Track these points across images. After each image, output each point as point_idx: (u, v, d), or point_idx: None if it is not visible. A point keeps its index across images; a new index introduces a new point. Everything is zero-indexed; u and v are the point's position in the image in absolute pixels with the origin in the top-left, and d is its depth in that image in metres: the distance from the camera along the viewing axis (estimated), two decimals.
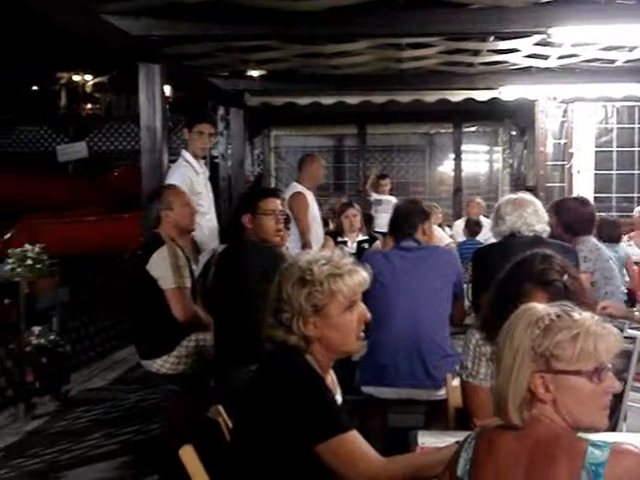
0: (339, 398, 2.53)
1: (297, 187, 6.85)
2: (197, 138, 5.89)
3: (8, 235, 13.52)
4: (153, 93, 6.61)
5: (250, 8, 6.29)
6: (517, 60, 8.07)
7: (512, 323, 1.96)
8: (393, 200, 11.09)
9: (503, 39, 7.02)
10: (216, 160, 11.05)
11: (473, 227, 9.01)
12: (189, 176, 5.76)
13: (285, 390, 2.32)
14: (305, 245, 6.37)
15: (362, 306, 2.48)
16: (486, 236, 8.37)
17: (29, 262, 5.92)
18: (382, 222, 10.42)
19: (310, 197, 6.87)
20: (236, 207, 4.76)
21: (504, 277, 2.98)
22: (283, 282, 2.41)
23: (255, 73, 9.80)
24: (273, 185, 13.14)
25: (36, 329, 6.01)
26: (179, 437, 4.46)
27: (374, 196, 11.57)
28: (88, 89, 27.22)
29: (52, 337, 6.07)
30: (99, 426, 5.60)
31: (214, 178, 7.39)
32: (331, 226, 8.64)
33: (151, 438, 5.19)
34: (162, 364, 4.61)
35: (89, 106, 26.94)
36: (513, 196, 4.56)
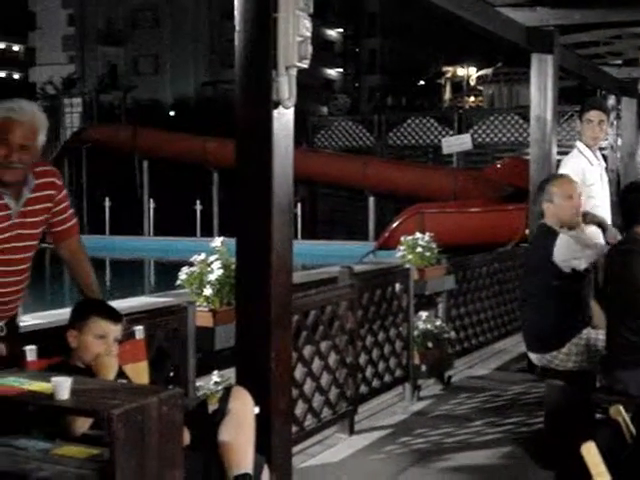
0: None
1: None
2: (586, 127, 5.75)
3: (396, 223, 14.31)
4: (545, 84, 6.55)
5: None
6: None
7: None
8: None
9: None
10: (604, 151, 10.66)
11: None
12: (582, 167, 5.64)
13: None
14: None
15: None
16: None
17: (419, 250, 6.17)
18: None
19: None
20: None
21: None
22: None
23: None
24: None
25: (423, 314, 6.24)
26: (565, 433, 4.41)
27: None
28: (472, 82, 27.69)
29: (438, 323, 6.27)
30: (481, 413, 5.66)
31: None
32: None
33: (535, 432, 5.13)
34: (551, 359, 4.58)
35: (472, 99, 27.44)
36: None
